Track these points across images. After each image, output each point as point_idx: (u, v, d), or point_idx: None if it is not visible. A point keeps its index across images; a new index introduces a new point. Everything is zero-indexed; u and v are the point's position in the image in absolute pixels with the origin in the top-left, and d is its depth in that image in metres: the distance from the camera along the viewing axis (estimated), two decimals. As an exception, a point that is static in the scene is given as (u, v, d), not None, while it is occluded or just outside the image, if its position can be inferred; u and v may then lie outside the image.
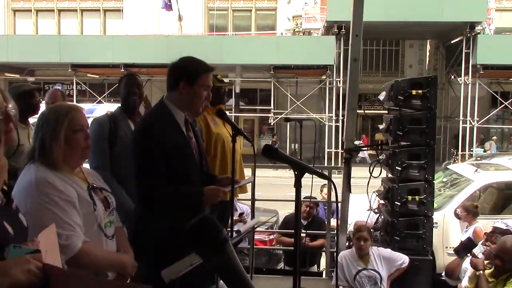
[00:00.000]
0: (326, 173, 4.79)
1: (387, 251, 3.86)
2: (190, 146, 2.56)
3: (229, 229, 2.86)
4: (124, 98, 3.29)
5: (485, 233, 4.51)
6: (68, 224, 1.79)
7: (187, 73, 2.49)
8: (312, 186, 3.18)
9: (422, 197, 3.97)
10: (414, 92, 3.96)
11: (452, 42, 19.59)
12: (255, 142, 21.37)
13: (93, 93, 20.90)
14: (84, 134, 1.94)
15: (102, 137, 3.08)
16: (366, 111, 17.85)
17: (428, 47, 23.21)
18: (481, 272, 3.54)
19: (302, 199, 1.95)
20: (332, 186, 2.09)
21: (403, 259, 3.81)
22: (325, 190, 5.85)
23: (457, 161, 17.59)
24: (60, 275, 1.23)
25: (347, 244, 4.34)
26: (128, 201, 2.91)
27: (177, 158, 2.46)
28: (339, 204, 4.14)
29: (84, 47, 18.65)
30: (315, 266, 5.56)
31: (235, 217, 5.05)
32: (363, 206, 6.18)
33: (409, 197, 3.96)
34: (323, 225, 5.37)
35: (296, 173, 1.83)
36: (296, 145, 19.54)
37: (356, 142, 9.12)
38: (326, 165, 17.36)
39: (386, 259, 3.78)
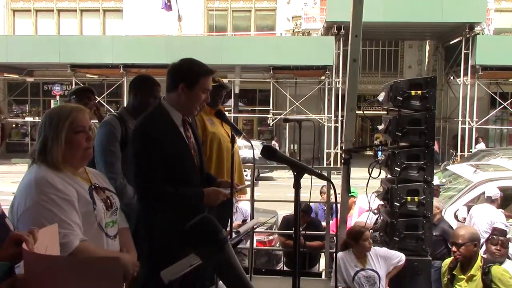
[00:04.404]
0: (325, 174, 4.79)
1: (383, 250, 3.86)
2: (189, 147, 2.56)
3: (229, 230, 2.86)
4: (145, 98, 3.04)
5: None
6: (65, 223, 1.80)
7: (188, 76, 2.46)
8: (312, 187, 3.18)
9: (422, 197, 3.97)
10: (413, 92, 3.96)
11: (451, 42, 19.58)
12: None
13: (92, 94, 20.87)
14: (86, 135, 1.95)
15: (114, 140, 2.92)
16: (365, 112, 17.82)
17: (427, 47, 23.22)
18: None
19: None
20: (332, 187, 2.09)
21: (400, 257, 3.81)
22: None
23: (456, 162, 17.60)
24: (33, 259, 1.21)
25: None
26: None
27: (175, 159, 2.45)
28: (338, 205, 4.15)
29: (84, 47, 18.63)
30: (316, 267, 5.56)
31: (239, 222, 5.05)
32: (362, 207, 6.18)
33: (408, 198, 3.96)
34: (319, 226, 5.38)
35: (295, 173, 1.83)
36: (295, 145, 19.55)
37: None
38: (325, 166, 17.37)
39: (383, 258, 3.78)
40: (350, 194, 5.45)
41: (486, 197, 5.78)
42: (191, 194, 2.49)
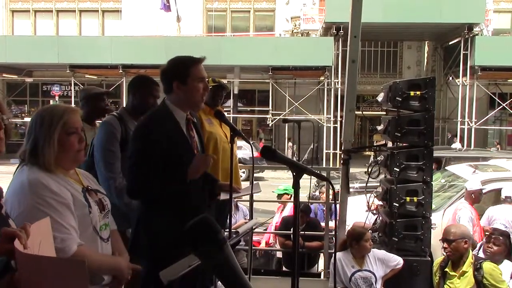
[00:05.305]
0: (324, 174, 4.79)
1: (382, 252, 3.86)
2: (191, 146, 2.56)
3: (228, 230, 2.86)
4: (144, 98, 3.07)
5: (485, 235, 4.54)
6: (63, 227, 1.76)
7: (177, 72, 2.49)
8: (311, 187, 3.19)
9: (420, 198, 3.97)
10: (412, 93, 3.96)
11: (450, 43, 19.61)
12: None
13: (91, 94, 20.83)
14: (78, 136, 1.90)
15: (114, 140, 2.91)
16: (364, 112, 17.84)
17: (426, 48, 23.24)
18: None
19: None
20: (331, 187, 2.09)
21: (398, 260, 3.82)
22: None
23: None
24: (25, 258, 1.22)
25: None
26: None
27: (176, 158, 2.46)
28: (337, 205, 4.16)
29: (83, 48, 18.63)
30: (315, 267, 5.56)
31: (242, 221, 5.05)
32: (361, 207, 6.18)
33: (407, 198, 3.96)
34: (318, 226, 5.38)
35: (294, 174, 1.82)
36: (295, 146, 19.55)
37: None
38: (324, 166, 17.37)
39: (381, 260, 3.79)
40: (284, 191, 5.58)
41: (504, 197, 5.70)
42: (177, 182, 2.46)
